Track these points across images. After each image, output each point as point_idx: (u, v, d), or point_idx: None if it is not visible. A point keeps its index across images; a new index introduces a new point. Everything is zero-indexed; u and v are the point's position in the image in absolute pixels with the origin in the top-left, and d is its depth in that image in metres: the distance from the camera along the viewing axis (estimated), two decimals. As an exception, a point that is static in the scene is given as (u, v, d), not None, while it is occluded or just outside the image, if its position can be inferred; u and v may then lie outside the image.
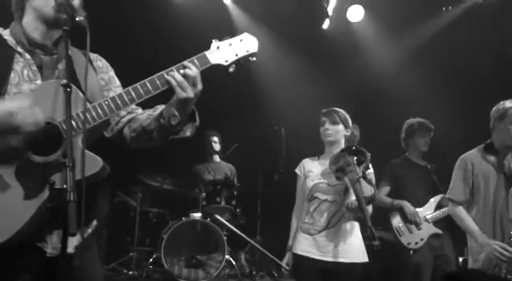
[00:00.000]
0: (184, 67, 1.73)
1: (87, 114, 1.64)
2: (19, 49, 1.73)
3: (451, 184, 3.25)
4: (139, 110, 1.94)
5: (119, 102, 1.69)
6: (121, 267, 4.95)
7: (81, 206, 1.40)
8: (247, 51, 1.83)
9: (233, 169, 5.72)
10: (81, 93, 1.64)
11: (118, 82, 1.95)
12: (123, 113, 1.89)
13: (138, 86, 1.71)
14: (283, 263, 3.20)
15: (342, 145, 3.18)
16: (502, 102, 3.13)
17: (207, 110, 5.97)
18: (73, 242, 1.70)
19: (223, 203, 5.03)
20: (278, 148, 5.67)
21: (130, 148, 1.91)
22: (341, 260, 2.99)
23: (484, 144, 3.20)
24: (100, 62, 1.95)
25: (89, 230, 1.83)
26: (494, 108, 3.16)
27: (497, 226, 2.99)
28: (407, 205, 4.01)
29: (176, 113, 1.76)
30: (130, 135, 1.87)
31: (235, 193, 5.15)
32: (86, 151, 1.56)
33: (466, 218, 3.12)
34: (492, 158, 3.13)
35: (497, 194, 3.04)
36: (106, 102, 1.68)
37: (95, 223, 1.86)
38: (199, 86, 1.73)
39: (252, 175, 5.66)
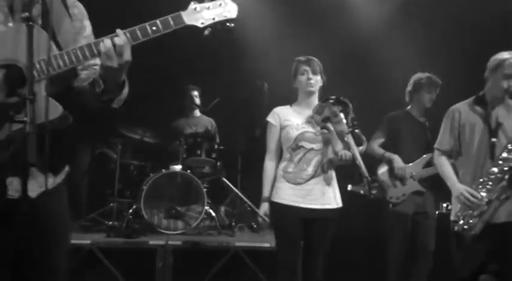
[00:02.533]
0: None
1: (53, 61, 1.63)
2: None
3: (439, 133, 3.30)
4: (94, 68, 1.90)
5: (86, 52, 1.68)
6: (101, 218, 4.99)
7: (45, 149, 1.40)
8: (225, 16, 1.82)
9: (214, 123, 5.73)
10: (45, 33, 1.61)
11: (88, 32, 1.91)
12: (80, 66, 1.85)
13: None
14: (261, 213, 3.23)
15: (317, 95, 3.20)
16: (499, 53, 3.11)
17: (189, 65, 5.96)
18: (40, 188, 1.72)
19: (203, 156, 5.05)
20: (260, 102, 5.64)
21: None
22: (328, 206, 3.09)
23: (475, 95, 3.20)
24: (76, 8, 1.90)
25: (62, 176, 1.83)
26: (491, 59, 3.15)
27: (477, 176, 3.04)
28: (397, 159, 4.05)
29: (100, 81, 1.73)
30: (73, 92, 1.85)
31: (215, 146, 5.17)
32: (48, 98, 1.55)
33: (446, 165, 3.22)
34: (480, 109, 3.14)
35: (481, 145, 3.08)
36: (74, 51, 1.67)
37: (66, 169, 1.86)
38: (126, 57, 1.68)
39: (233, 129, 5.67)
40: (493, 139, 3.03)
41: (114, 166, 5.13)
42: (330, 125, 3.01)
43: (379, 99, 5.28)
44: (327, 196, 3.09)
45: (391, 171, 4.08)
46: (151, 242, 4.27)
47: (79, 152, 5.26)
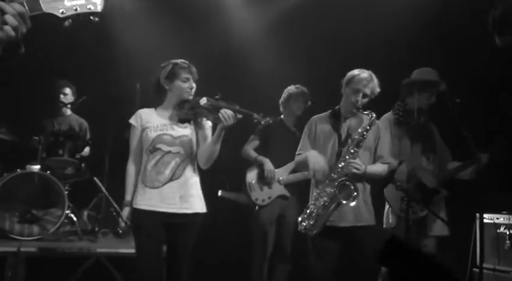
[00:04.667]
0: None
1: None
2: None
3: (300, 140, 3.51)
4: None
5: None
6: None
7: None
8: (89, 8, 1.68)
9: (84, 123, 5.39)
10: None
11: None
12: None
13: None
14: (123, 218, 3.10)
15: None
16: (352, 70, 3.36)
17: (61, 60, 5.53)
18: None
19: (66, 156, 4.70)
20: (132, 103, 5.44)
21: None
22: (185, 211, 3.00)
23: (332, 109, 3.44)
24: None
25: None
26: (346, 75, 3.38)
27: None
28: (267, 163, 4.24)
29: None
30: None
31: (80, 146, 4.84)
32: None
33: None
34: (334, 121, 3.40)
35: (332, 153, 3.32)
36: None
37: None
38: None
39: (102, 129, 5.38)
40: (342, 148, 3.28)
41: (-42, 164, 4.57)
42: (201, 110, 3.02)
43: (253, 105, 5.37)
44: (185, 200, 3.02)
45: (261, 174, 4.20)
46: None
47: None
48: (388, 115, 3.83)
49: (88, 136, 5.32)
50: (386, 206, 3.77)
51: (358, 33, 5.17)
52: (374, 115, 3.24)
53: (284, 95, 4.42)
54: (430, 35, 4.83)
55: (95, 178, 4.60)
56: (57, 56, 5.46)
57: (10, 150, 4.97)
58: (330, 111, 3.45)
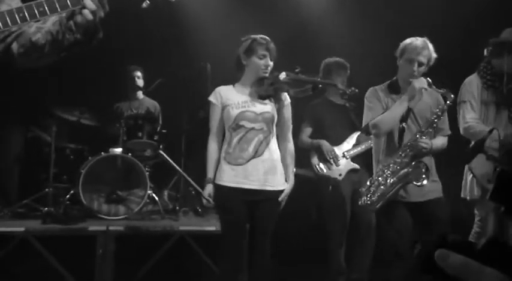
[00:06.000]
0: None
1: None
2: None
3: (368, 113, 3.31)
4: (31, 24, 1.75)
5: (7, 19, 1.51)
6: (35, 203, 4.67)
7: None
8: None
9: (157, 105, 5.53)
10: None
11: None
12: (13, 28, 1.68)
13: (33, 5, 1.53)
14: (205, 195, 3.14)
15: None
16: (405, 40, 3.20)
17: (131, 45, 5.68)
18: None
19: (145, 138, 4.85)
20: (203, 84, 5.50)
21: (19, 67, 1.73)
22: (269, 188, 3.02)
23: (389, 81, 3.29)
24: None
25: None
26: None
27: (388, 156, 3.16)
28: (324, 143, 4.13)
29: (73, 27, 1.60)
30: (18, 51, 1.68)
31: (158, 128, 4.99)
32: None
33: None
34: (393, 94, 3.25)
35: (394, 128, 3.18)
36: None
37: None
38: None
39: (176, 111, 5.50)
40: (403, 124, 3.14)
41: (48, 149, 4.84)
42: (281, 85, 3.00)
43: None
44: (269, 177, 3.02)
45: (322, 156, 4.13)
46: (90, 228, 4.07)
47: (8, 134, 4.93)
48: (473, 79, 3.58)
49: (160, 119, 5.46)
50: (470, 177, 3.59)
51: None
52: (452, 96, 3.07)
53: (322, 71, 4.20)
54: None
55: (161, 152, 4.68)
56: (128, 38, 5.57)
57: (94, 134, 5.21)
58: (387, 84, 3.30)
